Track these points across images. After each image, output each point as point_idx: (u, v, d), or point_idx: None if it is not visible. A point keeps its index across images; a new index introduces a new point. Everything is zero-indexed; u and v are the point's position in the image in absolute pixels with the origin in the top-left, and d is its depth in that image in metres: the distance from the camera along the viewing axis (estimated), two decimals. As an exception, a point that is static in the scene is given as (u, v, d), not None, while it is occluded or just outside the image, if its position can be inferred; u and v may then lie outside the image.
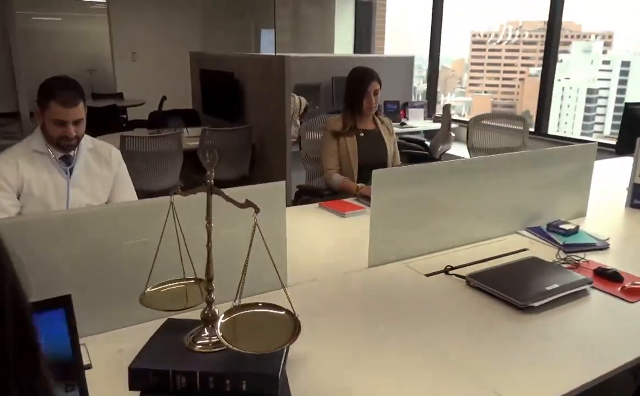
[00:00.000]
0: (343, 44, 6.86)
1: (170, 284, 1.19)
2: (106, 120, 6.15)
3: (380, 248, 1.70)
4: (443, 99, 6.48)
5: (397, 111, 5.33)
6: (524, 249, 1.88)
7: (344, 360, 1.19)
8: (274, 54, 4.36)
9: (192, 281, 1.20)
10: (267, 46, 7.64)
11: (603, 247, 1.90)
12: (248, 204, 1.03)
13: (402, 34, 6.73)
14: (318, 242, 1.99)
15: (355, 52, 6.89)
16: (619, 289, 1.56)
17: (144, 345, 1.04)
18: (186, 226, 1.14)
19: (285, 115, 3.85)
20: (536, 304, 1.42)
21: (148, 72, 8.35)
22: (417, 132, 5.09)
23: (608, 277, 1.63)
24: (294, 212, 2.31)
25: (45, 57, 10.93)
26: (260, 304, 1.06)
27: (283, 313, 1.04)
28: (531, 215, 2.08)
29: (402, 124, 5.12)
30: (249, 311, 1.03)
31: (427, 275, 1.64)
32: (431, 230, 1.82)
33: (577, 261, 1.75)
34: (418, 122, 5.31)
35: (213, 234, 1.07)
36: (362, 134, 2.79)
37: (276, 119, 3.95)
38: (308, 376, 1.11)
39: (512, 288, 1.48)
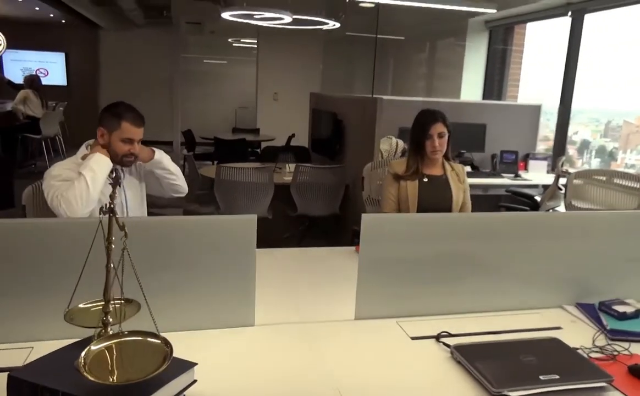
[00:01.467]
0: (472, 89, 6.58)
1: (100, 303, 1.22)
2: (235, 151, 6.66)
3: (369, 301, 1.55)
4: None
5: (515, 161, 4.90)
6: (557, 327, 1.57)
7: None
8: (371, 95, 4.33)
9: (122, 301, 1.21)
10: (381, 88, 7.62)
11: (667, 341, 1.51)
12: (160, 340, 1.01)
13: (543, 81, 6.22)
14: (319, 285, 1.89)
15: (484, 98, 6.56)
16: (648, 395, 1.22)
17: (41, 357, 1.07)
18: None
19: (374, 156, 3.78)
20: (512, 393, 1.17)
21: (285, 111, 8.87)
22: (534, 186, 4.62)
23: (644, 379, 1.28)
24: (316, 252, 2.25)
25: (199, 95, 12.28)
26: (136, 332, 1.03)
27: (159, 341, 1.00)
28: (591, 289, 1.74)
29: (516, 176, 4.70)
30: (122, 339, 1.01)
31: (414, 338, 1.46)
32: (441, 290, 1.62)
33: (614, 353, 1.41)
34: (538, 175, 4.83)
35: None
36: (425, 179, 2.62)
37: (366, 159, 3.89)
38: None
39: (493, 369, 1.24)
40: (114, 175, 2.16)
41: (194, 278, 1.41)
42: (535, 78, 6.24)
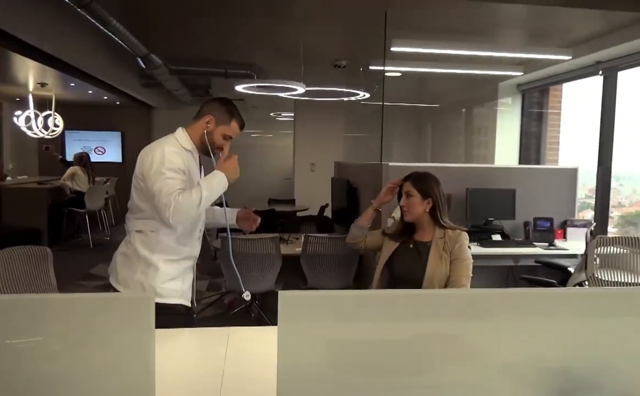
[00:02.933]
0: (507, 154, 6.28)
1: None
2: (264, 222, 6.59)
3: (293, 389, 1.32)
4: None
5: (550, 229, 4.51)
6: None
7: None
8: (380, 162, 4.16)
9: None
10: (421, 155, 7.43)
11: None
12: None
13: (582, 144, 5.85)
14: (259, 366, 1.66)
15: (521, 163, 6.23)
16: None
17: None
18: None
19: (386, 223, 3.57)
20: None
21: (321, 181, 8.82)
22: (572, 256, 4.20)
23: None
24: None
25: (242, 168, 12.51)
26: None
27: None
28: (582, 382, 1.43)
29: (550, 245, 4.29)
30: None
31: (335, 444, 1.21)
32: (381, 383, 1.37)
33: None
34: (577, 244, 4.40)
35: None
36: (411, 246, 2.42)
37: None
38: None
39: None
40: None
41: (86, 356, 1.25)
42: (575, 141, 5.88)
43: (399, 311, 1.40)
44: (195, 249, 2.40)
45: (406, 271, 2.40)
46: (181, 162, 2.21)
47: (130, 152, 12.57)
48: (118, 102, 11.09)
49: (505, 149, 6.23)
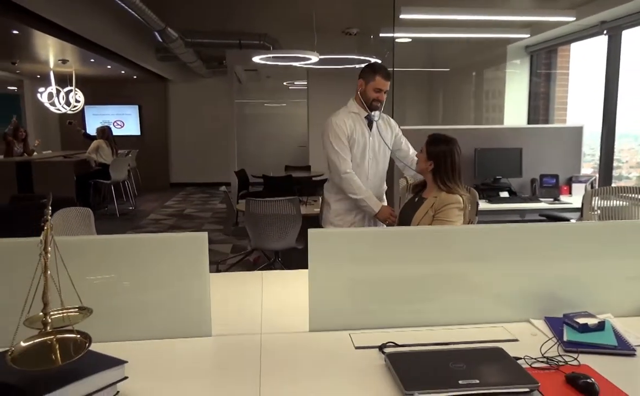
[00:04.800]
0: (516, 115, 6.45)
1: (56, 311, 1.38)
2: (281, 187, 6.89)
3: (322, 312, 1.62)
4: None
5: (556, 185, 4.74)
6: (514, 340, 1.55)
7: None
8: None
9: (76, 309, 1.36)
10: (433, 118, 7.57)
11: (627, 353, 1.45)
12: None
13: (588, 103, 5.99)
14: (279, 301, 1.95)
15: (529, 123, 6.40)
16: (572, 404, 1.20)
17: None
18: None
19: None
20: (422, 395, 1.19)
21: (335, 147, 9.06)
22: (575, 210, 4.43)
23: (578, 388, 1.25)
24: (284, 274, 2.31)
25: (258, 137, 12.77)
26: (62, 331, 1.17)
27: (79, 336, 1.14)
28: (565, 302, 1.70)
29: (555, 200, 4.53)
30: (48, 337, 1.15)
31: (357, 348, 1.50)
32: (396, 304, 1.65)
33: (560, 363, 1.38)
34: (580, 198, 4.62)
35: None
36: (416, 199, 2.68)
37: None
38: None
39: (412, 373, 1.27)
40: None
41: (152, 290, 1.55)
42: (582, 100, 6.02)
43: (409, 246, 1.68)
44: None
45: (403, 221, 2.66)
46: (343, 125, 2.94)
47: (148, 124, 12.88)
48: (135, 77, 11.35)
49: (515, 111, 6.39)
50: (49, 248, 1.22)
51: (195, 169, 12.71)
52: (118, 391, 1.24)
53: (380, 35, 6.34)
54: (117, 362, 1.22)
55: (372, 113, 3.01)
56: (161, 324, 1.56)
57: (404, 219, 2.66)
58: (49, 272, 1.22)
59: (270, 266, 4.80)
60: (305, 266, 2.38)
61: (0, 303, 1.48)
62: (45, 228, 1.21)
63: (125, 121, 13.09)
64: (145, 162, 11.52)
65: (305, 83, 9.96)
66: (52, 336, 1.17)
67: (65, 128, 12.29)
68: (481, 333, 1.60)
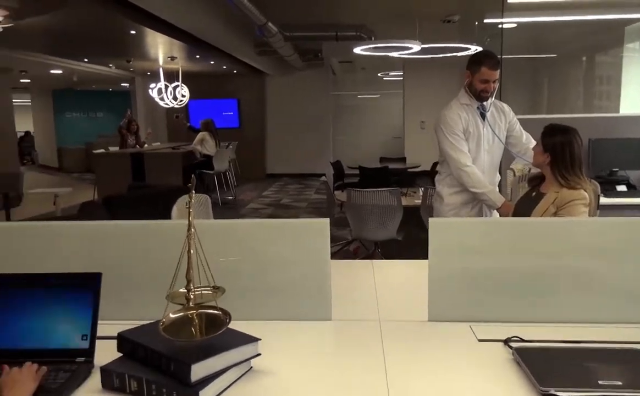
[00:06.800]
0: (635, 102, 5.95)
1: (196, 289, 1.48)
2: (378, 179, 6.88)
3: (441, 304, 1.60)
4: None
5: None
6: (652, 343, 1.44)
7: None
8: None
9: (211, 288, 1.46)
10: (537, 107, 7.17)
11: None
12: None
13: None
14: (398, 289, 1.94)
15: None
16: None
17: (141, 325, 1.36)
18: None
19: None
20: (561, 394, 1.14)
21: (432, 138, 8.87)
22: None
23: None
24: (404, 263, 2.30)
25: (352, 128, 12.81)
26: (204, 307, 1.26)
27: (220, 313, 1.22)
28: None
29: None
30: (192, 311, 1.24)
31: (481, 340, 1.47)
32: (520, 298, 1.60)
33: None
34: None
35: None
36: (534, 194, 2.55)
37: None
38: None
39: (546, 370, 1.22)
40: None
41: (276, 273, 1.62)
42: None
43: (531, 239, 1.61)
44: None
45: (520, 216, 2.52)
46: (457, 119, 2.87)
47: (246, 117, 13.39)
48: (235, 71, 11.82)
49: (632, 98, 5.89)
50: (192, 230, 1.31)
51: (291, 161, 13.03)
52: (251, 367, 1.31)
53: (485, 21, 6.10)
54: (252, 339, 1.29)
55: (483, 103, 2.92)
56: (283, 307, 1.62)
57: (521, 214, 2.55)
58: (192, 252, 1.31)
59: (369, 257, 4.83)
60: (406, 257, 2.36)
61: (144, 277, 1.62)
62: (189, 211, 1.30)
63: (225, 114, 13.69)
64: (243, 154, 11.99)
65: (401, 74, 9.85)
66: (196, 311, 1.26)
67: (171, 121, 13.11)
68: (612, 332, 1.51)
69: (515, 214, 2.64)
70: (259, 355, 1.30)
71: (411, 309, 1.70)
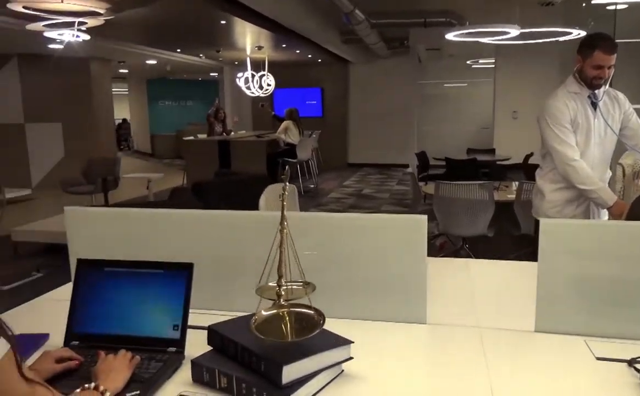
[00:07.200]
0: None
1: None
2: (465, 171, 6.59)
3: (551, 313, 1.44)
4: None
5: None
6: None
7: None
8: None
9: (301, 283, 1.40)
10: None
11: None
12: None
13: None
14: (501, 294, 1.78)
15: None
16: None
17: (231, 319, 1.33)
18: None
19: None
20: None
21: (524, 129, 8.39)
22: None
23: None
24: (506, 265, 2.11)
25: (437, 118, 12.40)
26: (297, 305, 1.19)
27: (313, 313, 1.15)
28: None
29: None
30: (284, 309, 1.19)
31: (599, 359, 1.30)
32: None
33: None
34: None
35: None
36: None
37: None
38: (341, 390, 1.16)
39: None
40: None
41: (367, 270, 1.54)
42: None
43: (667, 243, 1.41)
44: None
45: (636, 218, 2.27)
46: (565, 108, 2.58)
47: (329, 106, 13.39)
48: (319, 60, 11.83)
49: None
50: (285, 223, 1.25)
51: (372, 150, 12.88)
52: (342, 370, 1.24)
53: (593, 1, 5.61)
54: (344, 341, 1.22)
55: (595, 92, 2.63)
56: (374, 306, 1.53)
57: (633, 217, 2.30)
58: (284, 246, 1.26)
59: (456, 253, 4.63)
60: (496, 255, 2.18)
61: (233, 268, 1.60)
62: (283, 205, 1.24)
63: (309, 103, 13.77)
64: (325, 143, 12.00)
65: (492, 61, 9.38)
66: (288, 309, 1.20)
67: (256, 110, 13.39)
68: None
69: (631, 216, 2.38)
70: (351, 358, 1.22)
71: (514, 317, 1.55)
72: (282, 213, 1.25)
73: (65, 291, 1.74)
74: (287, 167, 1.35)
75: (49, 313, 1.66)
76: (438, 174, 7.56)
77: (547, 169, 2.76)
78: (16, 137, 9.72)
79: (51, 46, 7.85)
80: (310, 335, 1.11)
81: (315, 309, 1.18)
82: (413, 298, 1.52)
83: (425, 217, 1.50)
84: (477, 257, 4.45)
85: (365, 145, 13.06)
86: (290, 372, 1.09)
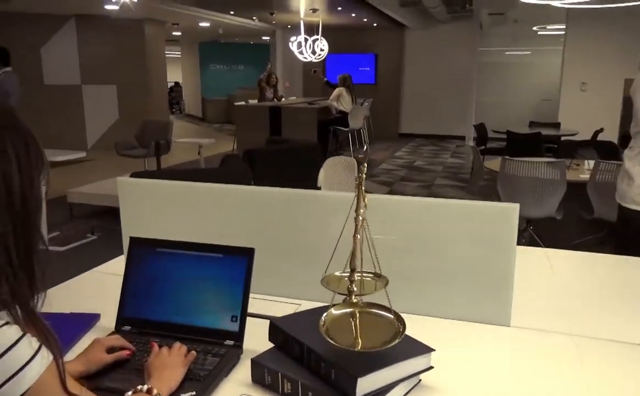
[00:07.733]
0: None
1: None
2: (528, 146, 6.21)
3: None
4: None
5: None
6: None
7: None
8: None
9: (372, 274, 1.24)
10: None
11: None
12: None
13: None
14: (600, 297, 1.57)
15: None
16: None
17: (296, 312, 1.19)
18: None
19: None
20: None
21: (594, 102, 7.85)
22: None
23: None
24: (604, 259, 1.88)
25: (498, 88, 11.80)
26: (373, 305, 1.04)
27: (392, 316, 1.00)
28: None
29: None
30: (358, 309, 1.03)
31: None
32: None
33: None
34: None
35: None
36: None
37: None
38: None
39: None
40: None
41: (442, 262, 1.36)
42: None
43: None
44: None
45: None
46: None
47: (382, 73, 13.00)
48: (375, 24, 11.43)
49: None
50: (361, 210, 1.09)
51: (426, 121, 12.47)
52: (420, 380, 1.09)
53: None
54: (425, 349, 1.06)
55: None
56: (450, 303, 1.37)
57: None
58: (358, 236, 1.10)
59: (520, 235, 4.36)
60: (564, 240, 1.93)
61: (295, 252, 1.46)
62: (360, 189, 1.08)
63: (362, 69, 13.41)
64: (377, 111, 11.69)
65: (561, 27, 8.75)
66: (364, 309, 1.05)
67: (307, 76, 13.16)
68: None
69: None
70: (431, 368, 1.07)
71: (616, 326, 1.35)
72: (359, 198, 1.09)
73: (116, 265, 1.66)
74: (365, 146, 1.17)
75: (100, 289, 1.59)
76: (497, 148, 7.19)
77: (638, 149, 2.47)
78: (74, 99, 9.92)
79: (107, 7, 7.87)
80: (389, 345, 0.96)
81: (395, 313, 1.02)
82: (496, 298, 1.34)
83: (517, 206, 1.31)
84: (542, 241, 4.17)
85: (419, 115, 12.65)
86: (365, 384, 0.95)
